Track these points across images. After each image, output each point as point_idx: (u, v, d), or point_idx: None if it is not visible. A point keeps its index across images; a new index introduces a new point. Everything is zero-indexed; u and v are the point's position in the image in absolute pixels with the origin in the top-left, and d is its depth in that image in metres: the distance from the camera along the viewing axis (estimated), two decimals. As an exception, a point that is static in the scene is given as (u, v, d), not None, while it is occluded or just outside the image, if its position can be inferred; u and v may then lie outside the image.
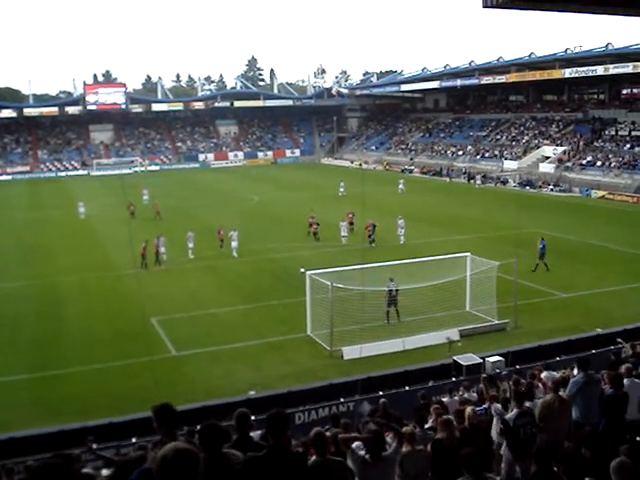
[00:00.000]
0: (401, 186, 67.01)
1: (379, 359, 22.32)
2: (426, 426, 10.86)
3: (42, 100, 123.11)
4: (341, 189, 64.26)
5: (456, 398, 14.39)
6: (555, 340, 22.15)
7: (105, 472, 12.76)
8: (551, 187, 67.61)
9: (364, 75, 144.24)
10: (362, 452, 7.28)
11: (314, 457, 6.39)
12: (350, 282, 26.10)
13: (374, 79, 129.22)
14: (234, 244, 38.74)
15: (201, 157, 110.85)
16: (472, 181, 75.88)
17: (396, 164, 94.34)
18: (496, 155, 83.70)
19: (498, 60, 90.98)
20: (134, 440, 15.38)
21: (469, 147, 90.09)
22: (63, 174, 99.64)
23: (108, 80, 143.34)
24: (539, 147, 79.88)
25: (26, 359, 23.89)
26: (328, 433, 9.86)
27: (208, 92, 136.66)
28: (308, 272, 25.55)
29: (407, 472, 8.57)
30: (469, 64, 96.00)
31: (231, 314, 28.58)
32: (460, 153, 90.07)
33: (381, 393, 17.10)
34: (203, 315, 28.45)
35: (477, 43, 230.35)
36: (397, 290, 26.21)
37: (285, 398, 17.93)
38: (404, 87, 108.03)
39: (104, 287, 33.55)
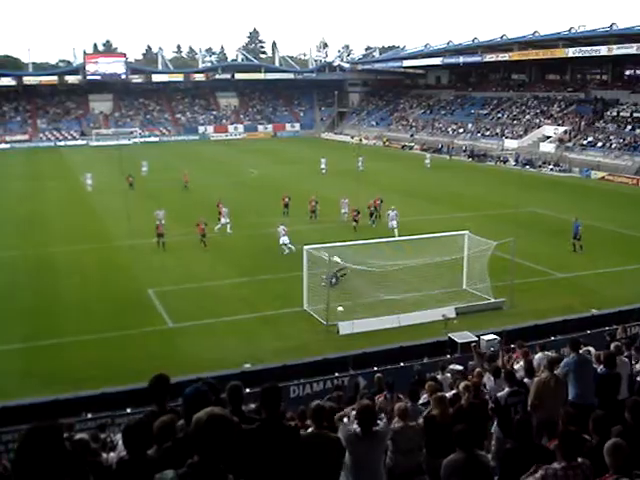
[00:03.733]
0: (427, 162, 68.25)
1: (375, 335, 22.38)
2: (419, 402, 10.90)
3: (42, 69, 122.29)
4: (322, 166, 63.45)
5: (448, 375, 14.45)
6: (550, 320, 22.18)
7: (103, 436, 12.86)
8: (551, 167, 67.45)
9: (366, 50, 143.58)
10: (354, 426, 7.28)
11: (310, 429, 6.38)
12: (348, 258, 26.16)
13: (376, 54, 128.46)
14: (223, 220, 38.64)
15: (201, 129, 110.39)
16: (471, 159, 75.83)
17: (396, 140, 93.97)
18: (497, 133, 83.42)
19: (501, 38, 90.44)
20: (128, 410, 15.45)
21: (470, 125, 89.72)
22: (62, 143, 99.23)
23: (108, 50, 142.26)
24: (540, 126, 79.54)
25: (20, 329, 23.92)
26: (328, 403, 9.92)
27: (209, 64, 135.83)
28: (306, 247, 25.55)
29: (399, 447, 8.60)
30: (472, 41, 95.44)
31: (228, 287, 28.62)
32: (461, 131, 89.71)
33: (376, 368, 17.15)
34: (200, 288, 28.48)
35: (480, 20, 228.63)
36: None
37: (280, 372, 17.99)
38: (406, 63, 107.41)
39: (101, 258, 33.56)
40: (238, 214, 40.81)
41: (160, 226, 35.04)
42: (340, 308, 23.75)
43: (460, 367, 15.53)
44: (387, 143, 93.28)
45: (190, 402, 4.93)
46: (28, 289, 28.48)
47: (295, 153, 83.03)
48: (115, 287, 28.62)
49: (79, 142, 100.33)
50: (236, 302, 26.56)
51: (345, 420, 9.67)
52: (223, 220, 38.33)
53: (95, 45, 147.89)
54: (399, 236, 32.43)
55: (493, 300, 25.72)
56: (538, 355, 14.12)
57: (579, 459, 5.75)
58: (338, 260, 25.58)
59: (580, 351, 10.98)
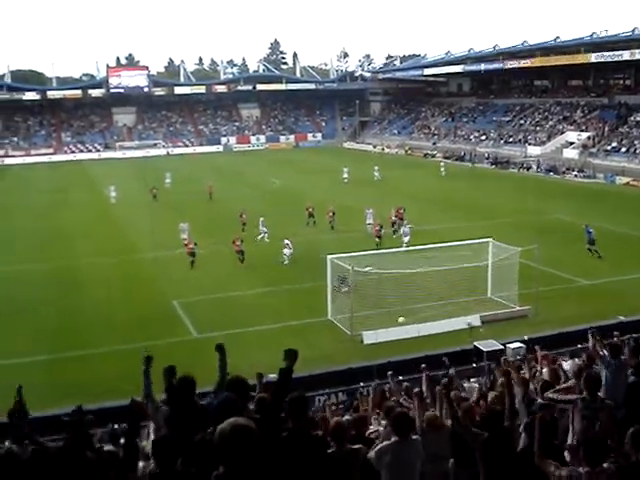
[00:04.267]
0: (442, 169, 68.26)
1: (399, 344, 22.32)
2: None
3: (65, 83, 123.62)
4: (344, 175, 63.65)
5: (475, 385, 14.35)
6: (576, 327, 21.97)
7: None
8: (575, 173, 66.95)
9: (387, 59, 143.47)
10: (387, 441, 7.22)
11: (333, 447, 6.38)
12: (371, 267, 26.14)
13: (397, 63, 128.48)
14: (263, 229, 39.18)
15: (223, 140, 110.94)
16: (494, 166, 75.52)
17: (418, 149, 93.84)
18: (520, 140, 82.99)
19: (523, 44, 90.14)
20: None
21: (492, 132, 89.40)
22: (86, 156, 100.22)
23: (131, 63, 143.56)
24: (563, 132, 79.06)
25: (45, 341, 24.12)
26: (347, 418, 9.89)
27: (231, 75, 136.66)
28: (329, 256, 25.59)
29: (428, 454, 8.56)
30: (493, 48, 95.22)
31: (252, 297, 28.69)
32: (483, 138, 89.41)
33: (401, 378, 17.07)
34: (224, 298, 28.57)
35: (501, 27, 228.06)
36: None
37: (305, 381, 17.97)
38: (427, 71, 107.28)
39: (125, 270, 33.81)
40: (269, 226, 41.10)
41: (190, 244, 34.13)
42: (401, 319, 23.85)
43: (476, 385, 15.33)
44: (409, 152, 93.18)
45: (219, 411, 4.96)
46: (52, 302, 28.71)
47: (317, 163, 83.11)
48: (139, 299, 28.81)
49: (103, 155, 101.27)
50: (261, 312, 26.60)
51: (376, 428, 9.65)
52: (262, 229, 38.91)
53: (118, 58, 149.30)
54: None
55: (518, 308, 25.56)
56: (569, 362, 13.95)
57: (604, 464, 5.73)
58: (368, 269, 25.57)
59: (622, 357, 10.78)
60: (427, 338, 22.81)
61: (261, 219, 39.66)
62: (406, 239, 35.27)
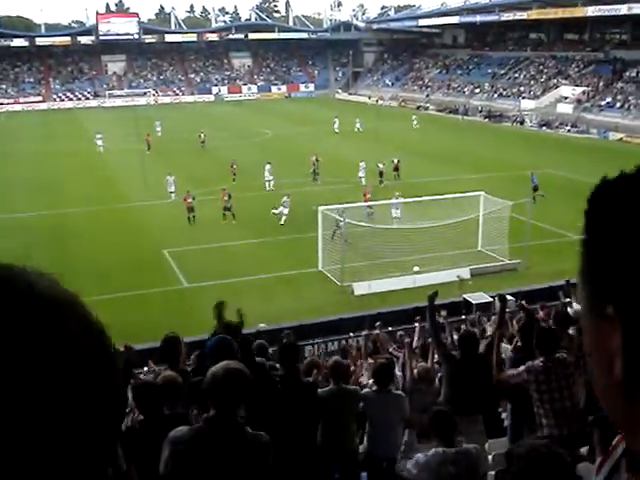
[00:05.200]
0: (415, 122, 66.84)
1: (389, 295, 22.42)
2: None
3: (54, 29, 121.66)
4: (357, 125, 63.85)
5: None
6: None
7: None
8: (568, 128, 66.71)
9: (382, 9, 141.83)
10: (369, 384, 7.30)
11: (330, 386, 6.41)
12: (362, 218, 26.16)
13: (392, 13, 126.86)
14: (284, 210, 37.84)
15: (214, 90, 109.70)
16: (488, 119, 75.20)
17: (412, 101, 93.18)
18: (514, 94, 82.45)
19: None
20: (145, 369, 15.58)
21: (486, 85, 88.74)
22: (75, 104, 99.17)
23: (121, 10, 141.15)
24: (558, 87, 78.52)
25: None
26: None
27: (222, 24, 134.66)
28: (320, 207, 25.55)
29: (415, 407, 8.61)
30: (489, 0, 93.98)
31: (242, 248, 28.69)
32: (477, 91, 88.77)
33: (390, 329, 17.18)
34: (215, 248, 28.56)
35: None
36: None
37: (296, 331, 18.07)
38: (422, 22, 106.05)
39: (116, 219, 33.65)
40: (252, 175, 40.92)
41: (188, 198, 32.64)
42: (416, 268, 23.99)
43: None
44: (403, 104, 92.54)
45: (213, 353, 4.94)
46: (43, 250, 28.57)
47: (309, 114, 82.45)
48: (130, 248, 28.72)
49: (93, 103, 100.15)
50: (251, 263, 26.63)
51: (361, 380, 9.71)
52: (284, 210, 32.66)
53: (107, 5, 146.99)
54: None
55: (508, 261, 25.66)
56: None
57: (557, 354, 6.04)
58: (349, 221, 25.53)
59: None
60: (417, 290, 22.86)
61: (267, 166, 39.28)
62: (398, 212, 30.81)
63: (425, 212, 27.22)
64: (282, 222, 31.77)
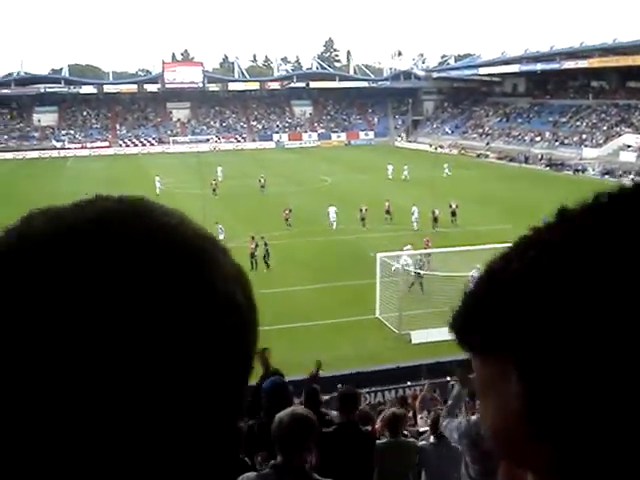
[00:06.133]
0: (446, 169, 66.45)
1: (448, 344, 22.02)
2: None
3: (122, 77, 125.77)
4: (405, 172, 64.05)
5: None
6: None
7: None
8: (632, 177, 65.46)
9: (441, 58, 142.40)
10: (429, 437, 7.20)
11: (387, 437, 6.36)
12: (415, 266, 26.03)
13: (451, 62, 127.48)
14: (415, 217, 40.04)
15: (275, 137, 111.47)
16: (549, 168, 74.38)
17: (471, 149, 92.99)
18: (575, 142, 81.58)
19: (580, 44, 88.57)
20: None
21: (547, 133, 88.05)
22: (140, 150, 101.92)
23: (186, 59, 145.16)
24: (620, 135, 77.42)
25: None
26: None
27: (284, 72, 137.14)
28: (379, 254, 25.55)
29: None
30: (550, 48, 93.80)
31: (299, 293, 28.74)
32: (538, 139, 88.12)
33: (449, 379, 16.92)
34: (272, 293, 28.66)
35: (558, 27, 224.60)
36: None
37: (352, 379, 17.95)
38: (482, 70, 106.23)
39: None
40: (310, 221, 41.37)
41: (252, 244, 32.65)
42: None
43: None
44: (463, 152, 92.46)
45: (270, 396, 4.95)
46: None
47: (367, 161, 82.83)
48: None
49: (157, 149, 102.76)
50: (309, 308, 26.64)
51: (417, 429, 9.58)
52: (407, 260, 29.55)
53: (173, 54, 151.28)
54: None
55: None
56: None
57: None
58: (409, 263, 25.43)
59: None
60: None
61: (332, 208, 40.88)
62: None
63: (482, 260, 26.92)
64: (416, 271, 28.67)
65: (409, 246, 30.57)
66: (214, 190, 53.86)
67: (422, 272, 27.44)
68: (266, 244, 32.86)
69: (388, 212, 42.97)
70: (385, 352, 22.10)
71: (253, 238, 33.01)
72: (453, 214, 41.58)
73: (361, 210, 41.96)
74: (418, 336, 23.04)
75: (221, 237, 36.60)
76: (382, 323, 24.73)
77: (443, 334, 22.87)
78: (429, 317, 23.95)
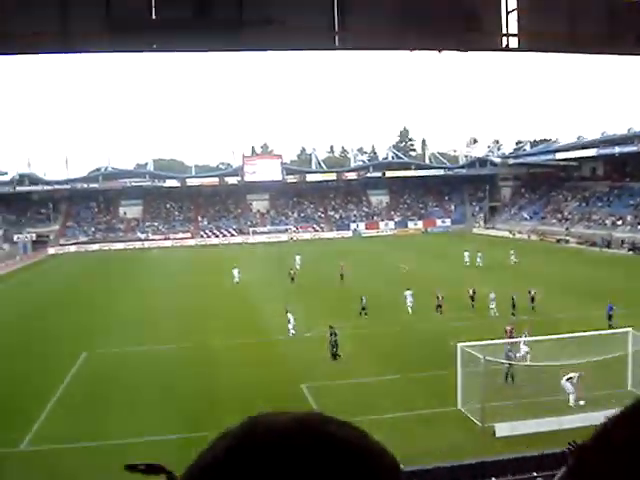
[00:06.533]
0: (513, 257, 65.51)
1: (534, 437, 21.37)
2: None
3: (203, 171, 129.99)
4: (478, 259, 64.31)
5: None
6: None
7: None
8: None
9: (517, 144, 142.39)
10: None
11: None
12: (503, 355, 25.50)
13: (527, 148, 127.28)
14: (492, 305, 40.40)
15: (352, 226, 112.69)
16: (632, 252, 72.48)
17: (551, 234, 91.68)
18: (659, 225, 79.61)
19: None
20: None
21: (629, 217, 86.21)
22: (221, 241, 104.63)
23: (265, 152, 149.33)
24: None
25: (179, 419, 24.73)
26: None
27: (360, 163, 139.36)
28: (459, 344, 25.20)
29: None
30: (627, 131, 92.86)
31: (379, 384, 28.45)
32: (619, 223, 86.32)
33: (535, 474, 16.36)
34: (353, 384, 28.49)
35: (635, 109, 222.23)
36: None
37: (434, 473, 17.53)
38: (559, 155, 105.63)
39: (256, 351, 34.40)
40: (389, 308, 41.40)
41: (332, 338, 32.39)
42: (582, 402, 23.77)
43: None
44: (542, 237, 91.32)
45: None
46: (185, 380, 29.59)
47: (445, 248, 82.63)
48: (268, 381, 29.12)
49: (237, 239, 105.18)
50: (387, 399, 26.29)
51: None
52: (524, 348, 29.28)
53: (253, 148, 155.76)
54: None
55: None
56: None
57: None
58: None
59: None
60: (564, 433, 21.72)
61: (408, 292, 42.36)
62: (525, 349, 29.11)
63: (568, 350, 26.17)
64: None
65: (526, 332, 30.17)
66: (292, 279, 54.69)
67: (520, 362, 26.92)
68: (335, 334, 32.45)
69: (472, 298, 42.64)
70: (467, 446, 21.52)
71: (331, 327, 32.99)
72: (532, 300, 40.89)
73: (437, 297, 41.78)
74: (503, 429, 22.39)
75: (290, 325, 37.05)
76: (464, 415, 24.15)
77: (530, 426, 22.29)
78: (515, 409, 23.35)
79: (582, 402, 23.47)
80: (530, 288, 41.62)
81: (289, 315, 37.58)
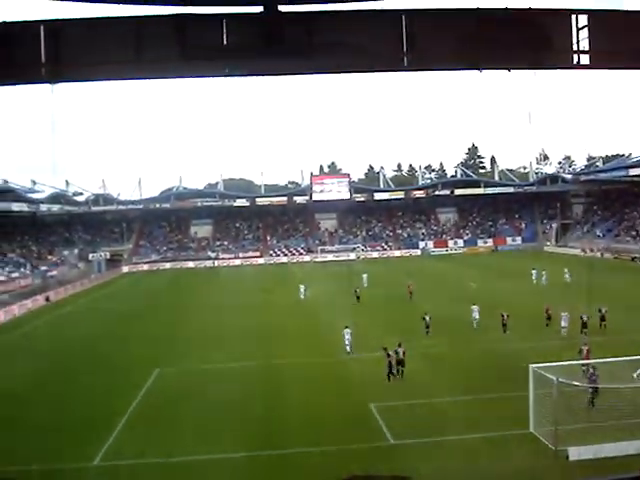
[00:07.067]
0: (567, 275, 64.56)
1: (610, 462, 20.75)
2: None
3: (272, 190, 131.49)
4: (533, 277, 65.33)
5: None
6: None
7: None
8: None
9: (588, 160, 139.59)
10: None
11: None
12: (577, 377, 24.91)
13: (599, 164, 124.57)
14: (564, 324, 39.65)
15: (421, 244, 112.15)
16: None
17: (626, 252, 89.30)
18: None
19: None
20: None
21: None
22: (290, 259, 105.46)
23: (333, 170, 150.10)
24: None
25: (246, 438, 24.90)
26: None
27: (428, 180, 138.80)
28: (532, 365, 24.74)
29: None
30: None
31: (450, 405, 28.07)
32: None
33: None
34: (422, 404, 28.22)
35: None
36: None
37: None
38: (633, 171, 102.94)
39: (324, 369, 34.45)
40: (461, 329, 41.06)
41: (392, 355, 31.93)
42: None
43: None
44: (617, 255, 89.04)
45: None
46: (253, 398, 29.83)
47: (516, 267, 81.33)
48: (338, 400, 29.12)
49: (306, 258, 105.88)
50: (458, 421, 25.94)
51: None
52: (563, 323, 39.48)
53: (321, 167, 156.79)
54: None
55: None
56: None
57: None
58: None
59: None
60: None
61: (475, 307, 43.20)
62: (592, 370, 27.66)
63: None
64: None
65: None
66: (357, 297, 54.76)
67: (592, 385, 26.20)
68: (396, 352, 32.15)
69: (549, 317, 42.12)
70: (540, 470, 21.04)
71: (400, 345, 32.77)
72: (602, 319, 39.90)
73: (502, 316, 41.19)
74: (576, 452, 21.80)
75: (346, 341, 37.14)
76: (536, 438, 23.63)
77: (605, 450, 21.66)
78: (588, 432, 22.72)
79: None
80: (601, 306, 40.56)
81: (346, 333, 37.65)
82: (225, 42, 7.88)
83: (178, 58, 7.79)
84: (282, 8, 7.95)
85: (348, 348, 37.21)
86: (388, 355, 31.82)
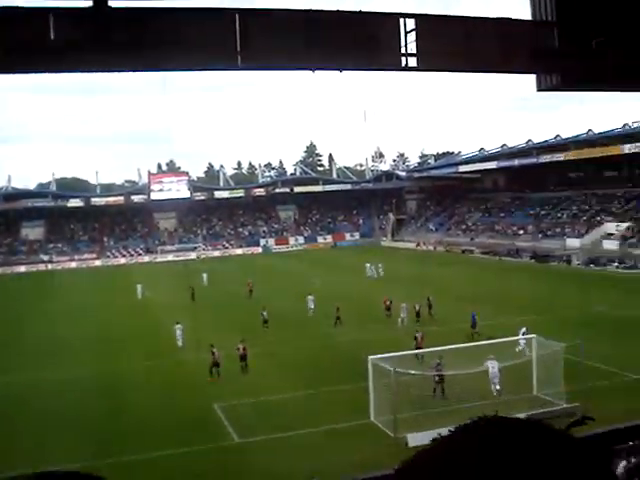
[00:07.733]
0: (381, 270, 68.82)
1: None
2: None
3: (108, 190, 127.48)
4: (367, 271, 68.45)
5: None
6: (628, 424, 21.27)
7: None
8: (616, 264, 66.23)
9: (421, 157, 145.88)
10: None
11: None
12: (414, 366, 25.90)
13: (432, 161, 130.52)
14: (402, 315, 41.44)
15: (262, 242, 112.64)
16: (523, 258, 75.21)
17: (456, 245, 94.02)
18: (558, 233, 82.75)
19: (555, 138, 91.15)
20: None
21: (530, 226, 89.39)
22: (128, 260, 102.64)
23: (172, 169, 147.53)
24: (602, 224, 78.72)
25: (86, 446, 23.92)
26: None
27: (268, 178, 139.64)
28: (370, 357, 25.45)
29: None
30: (526, 143, 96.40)
31: (292, 400, 28.40)
32: (521, 232, 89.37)
33: None
34: (265, 401, 28.35)
35: (533, 122, 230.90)
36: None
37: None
38: (462, 168, 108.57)
39: (163, 371, 33.84)
40: (300, 324, 41.56)
41: (215, 354, 32.03)
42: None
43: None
44: (448, 248, 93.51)
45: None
46: (91, 406, 28.70)
47: (353, 261, 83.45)
48: (179, 402, 28.67)
49: (145, 258, 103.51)
50: (301, 415, 26.30)
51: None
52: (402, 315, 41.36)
53: (159, 165, 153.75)
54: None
55: (566, 405, 24.91)
56: (623, 463, 13.50)
57: None
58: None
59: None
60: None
61: (310, 297, 46.25)
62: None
63: (476, 357, 26.79)
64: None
65: (524, 329, 31.18)
66: (192, 295, 54.28)
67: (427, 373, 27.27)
68: (237, 349, 32.92)
69: (388, 309, 43.56)
70: (381, 457, 21.70)
71: (243, 340, 33.34)
72: (429, 307, 43.06)
73: (337, 309, 42.37)
74: (415, 438, 22.68)
75: (179, 342, 37.27)
76: (377, 427, 24.38)
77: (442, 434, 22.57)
78: (428, 418, 23.66)
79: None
80: (429, 296, 43.25)
81: (177, 329, 38.08)
82: (52, 37, 7.54)
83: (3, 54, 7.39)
84: (113, 4, 7.72)
85: (180, 343, 37.88)
86: (213, 353, 31.98)
